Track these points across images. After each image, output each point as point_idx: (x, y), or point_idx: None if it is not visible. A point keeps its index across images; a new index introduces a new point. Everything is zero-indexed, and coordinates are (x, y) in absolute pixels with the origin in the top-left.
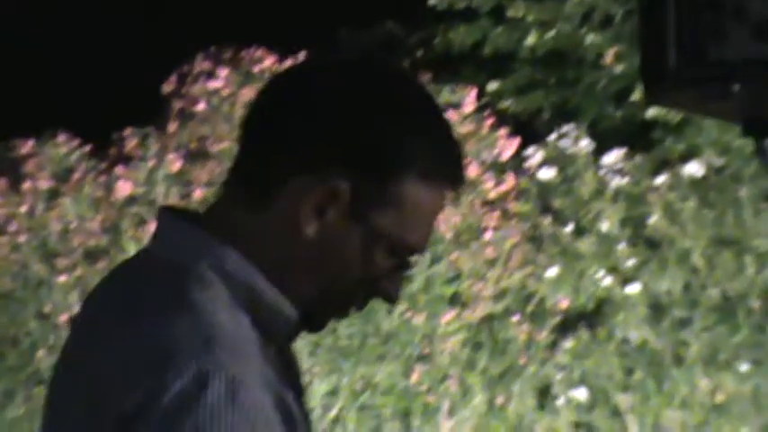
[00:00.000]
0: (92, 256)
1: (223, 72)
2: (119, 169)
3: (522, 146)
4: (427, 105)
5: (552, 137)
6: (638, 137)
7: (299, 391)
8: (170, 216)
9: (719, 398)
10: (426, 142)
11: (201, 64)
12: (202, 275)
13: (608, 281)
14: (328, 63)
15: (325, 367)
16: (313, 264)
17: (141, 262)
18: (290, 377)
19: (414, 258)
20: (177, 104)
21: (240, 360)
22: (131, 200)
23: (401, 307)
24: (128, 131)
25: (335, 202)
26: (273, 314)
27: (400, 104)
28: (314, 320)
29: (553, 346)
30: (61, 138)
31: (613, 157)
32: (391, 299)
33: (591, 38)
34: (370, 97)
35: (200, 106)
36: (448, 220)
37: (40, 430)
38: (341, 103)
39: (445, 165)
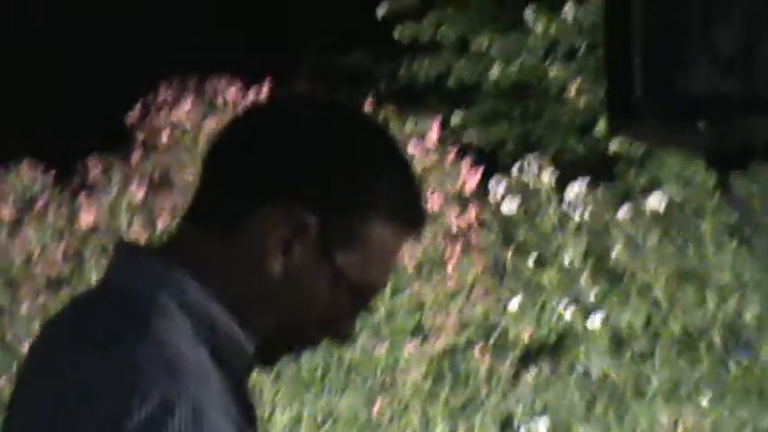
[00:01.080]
0: (54, 285)
1: (187, 102)
2: (82, 198)
3: (486, 178)
4: (393, 149)
5: (515, 169)
6: (600, 169)
7: (254, 426)
8: (128, 249)
9: (680, 431)
10: (393, 185)
11: (165, 93)
12: (164, 306)
13: (570, 313)
14: (299, 101)
15: (288, 397)
16: (275, 299)
17: (101, 292)
18: (246, 411)
19: (372, 300)
20: (141, 134)
21: (203, 389)
22: (94, 229)
23: (364, 337)
24: (91, 160)
25: (303, 237)
26: (232, 347)
27: (369, 146)
28: (267, 355)
29: (515, 377)
30: (24, 166)
31: (576, 189)
32: (344, 339)
33: (554, 70)
34: (340, 137)
35: (164, 137)
36: (410, 252)
37: None
38: (312, 140)
39: (409, 207)
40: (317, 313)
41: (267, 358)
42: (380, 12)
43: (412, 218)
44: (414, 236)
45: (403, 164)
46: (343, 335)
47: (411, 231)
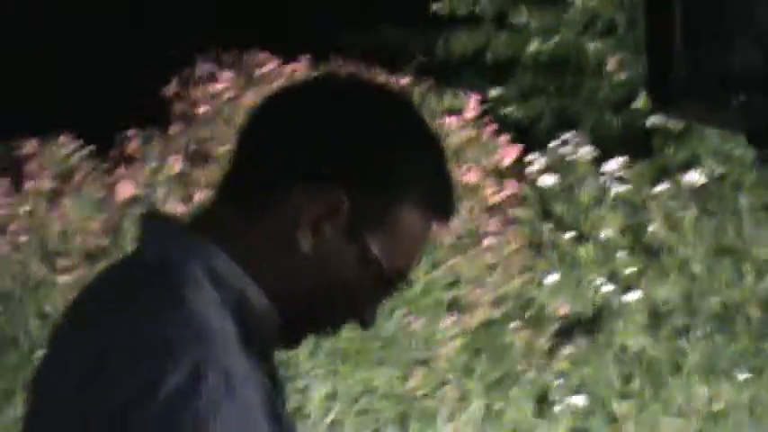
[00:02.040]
0: (92, 256)
1: (225, 75)
2: (120, 170)
3: (524, 152)
4: (429, 134)
5: (553, 144)
6: (638, 145)
7: (281, 397)
8: (157, 220)
9: (717, 406)
10: (428, 172)
11: (204, 67)
12: (194, 276)
13: (607, 288)
14: (335, 80)
15: (324, 371)
16: (304, 278)
17: (132, 263)
18: (273, 382)
19: (397, 286)
20: (179, 107)
21: (233, 357)
22: (133, 201)
23: (400, 312)
24: (130, 133)
25: (334, 217)
26: (260, 320)
27: (407, 131)
28: (290, 335)
29: (552, 352)
30: (63, 139)
31: (614, 164)
32: (367, 324)
33: (593, 45)
34: (378, 119)
35: (202, 109)
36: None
37: (24, 421)
38: (350, 121)
39: (441, 196)
40: (341, 294)
41: (289, 338)
42: None
43: (443, 205)
44: (443, 224)
45: (437, 150)
46: (365, 319)
47: (440, 219)
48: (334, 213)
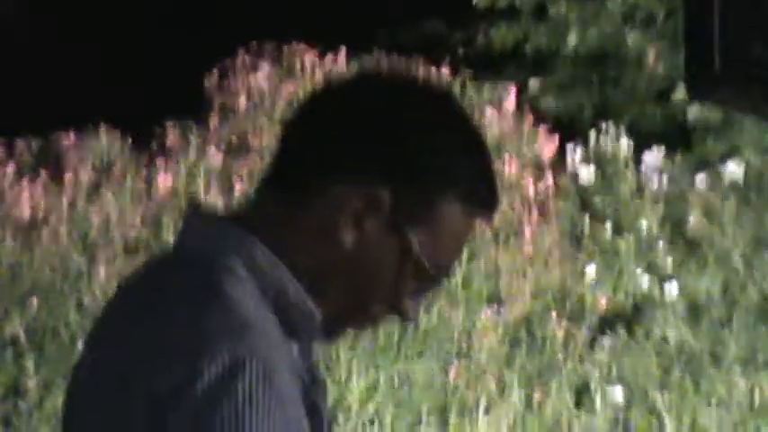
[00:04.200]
0: (132, 249)
1: (264, 67)
2: (160, 162)
3: (563, 144)
4: (471, 129)
5: (593, 136)
6: (678, 137)
7: (321, 389)
8: (201, 212)
9: (757, 398)
10: (471, 167)
11: (243, 59)
12: (234, 269)
13: (646, 280)
14: (379, 75)
15: (364, 362)
16: (344, 271)
17: (174, 254)
18: (312, 375)
19: (438, 281)
20: (218, 99)
21: (271, 350)
22: (172, 193)
23: (439, 303)
24: (169, 125)
25: (376, 211)
26: (299, 314)
27: (450, 125)
28: (330, 329)
29: (591, 344)
30: (103, 131)
31: (653, 156)
32: (409, 319)
33: (632, 37)
34: (421, 114)
35: (241, 101)
36: None
37: (63, 411)
38: (392, 115)
39: (484, 191)
40: (383, 289)
41: (329, 333)
42: None
43: (485, 200)
44: (486, 219)
45: (480, 146)
46: (407, 314)
47: (483, 214)
48: (376, 207)
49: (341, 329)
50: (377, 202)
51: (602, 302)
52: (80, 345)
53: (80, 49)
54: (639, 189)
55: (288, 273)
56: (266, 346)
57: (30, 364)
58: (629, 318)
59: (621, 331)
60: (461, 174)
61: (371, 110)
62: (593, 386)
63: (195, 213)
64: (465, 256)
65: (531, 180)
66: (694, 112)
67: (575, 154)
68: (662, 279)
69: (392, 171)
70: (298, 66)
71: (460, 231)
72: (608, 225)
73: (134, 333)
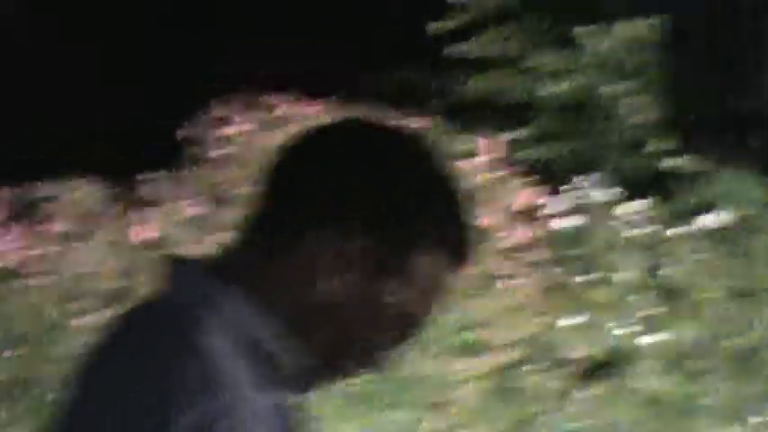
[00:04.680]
0: (108, 300)
1: (238, 118)
2: (135, 214)
3: (538, 195)
4: (448, 181)
5: (568, 187)
6: (654, 187)
7: None
8: (174, 264)
9: None
10: (444, 217)
11: (218, 109)
12: (209, 322)
13: (623, 331)
14: (358, 125)
15: (336, 413)
16: (320, 322)
17: (148, 307)
18: (286, 426)
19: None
20: (192, 150)
21: (244, 405)
22: (148, 244)
23: (413, 355)
24: (144, 176)
25: (353, 263)
26: (275, 367)
27: (424, 174)
28: (306, 378)
29: (567, 395)
30: (79, 181)
31: (629, 207)
32: (383, 368)
33: (605, 89)
34: (399, 165)
35: (216, 152)
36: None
37: None
38: (371, 167)
39: (457, 242)
40: (356, 339)
41: (303, 382)
42: (431, 28)
43: (459, 251)
44: (459, 269)
45: (455, 197)
46: (379, 363)
47: (457, 265)
48: (352, 259)
49: (316, 379)
50: (354, 254)
51: (579, 354)
52: (51, 398)
53: (53, 96)
54: (616, 239)
55: (264, 323)
56: (238, 401)
57: (3, 415)
58: (605, 369)
59: (598, 383)
60: (436, 225)
61: (347, 162)
62: None
63: (170, 264)
64: (439, 307)
65: (506, 231)
66: (670, 162)
67: (551, 204)
68: (639, 330)
69: (369, 223)
70: (274, 116)
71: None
72: (584, 275)
73: (107, 390)
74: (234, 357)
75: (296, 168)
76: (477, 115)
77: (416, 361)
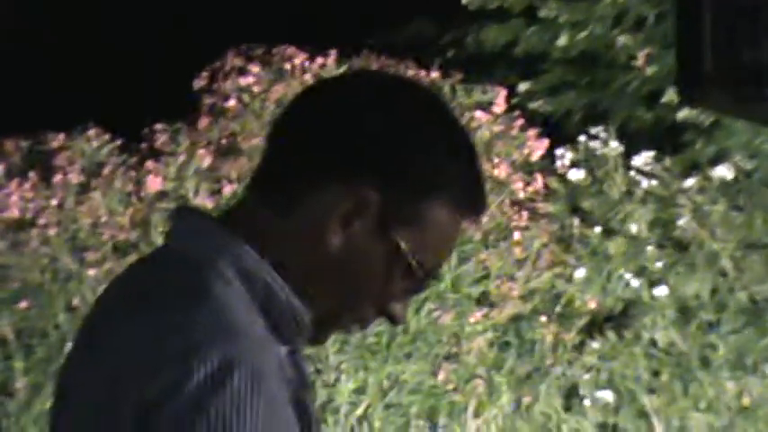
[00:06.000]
0: (121, 250)
1: (254, 69)
2: (149, 164)
3: (553, 147)
4: (462, 133)
5: (582, 138)
6: (668, 139)
7: (309, 394)
8: (189, 214)
9: (746, 401)
10: (459, 169)
11: (233, 61)
12: (223, 272)
13: (636, 283)
14: (366, 76)
15: (353, 365)
16: (332, 274)
17: (161, 257)
18: (301, 378)
19: (425, 283)
20: (208, 100)
21: (261, 353)
22: (161, 195)
23: (429, 306)
24: (158, 127)
25: (364, 213)
26: (288, 317)
27: (439, 128)
28: (320, 332)
29: (580, 346)
30: (92, 132)
31: (643, 159)
32: (398, 321)
33: (623, 39)
34: (410, 116)
35: (231, 102)
36: None
37: (52, 413)
38: (381, 117)
39: (473, 193)
40: (370, 291)
41: (318, 335)
42: None
43: (473, 203)
44: (473, 221)
45: (469, 148)
46: (396, 316)
47: (471, 217)
48: (364, 210)
49: (329, 332)
50: (365, 204)
51: (592, 305)
52: (69, 346)
53: (68, 50)
54: (629, 191)
55: (276, 275)
56: (255, 350)
57: (19, 365)
58: (618, 320)
59: (611, 334)
60: (449, 177)
61: (360, 112)
62: (581, 389)
63: (184, 215)
64: (454, 258)
65: (520, 182)
66: (684, 114)
67: (565, 156)
68: (651, 282)
69: (380, 174)
70: (287, 68)
71: (448, 234)
72: (597, 228)
73: (122, 337)
74: (249, 307)
75: (309, 120)
76: (493, 66)
77: (432, 312)
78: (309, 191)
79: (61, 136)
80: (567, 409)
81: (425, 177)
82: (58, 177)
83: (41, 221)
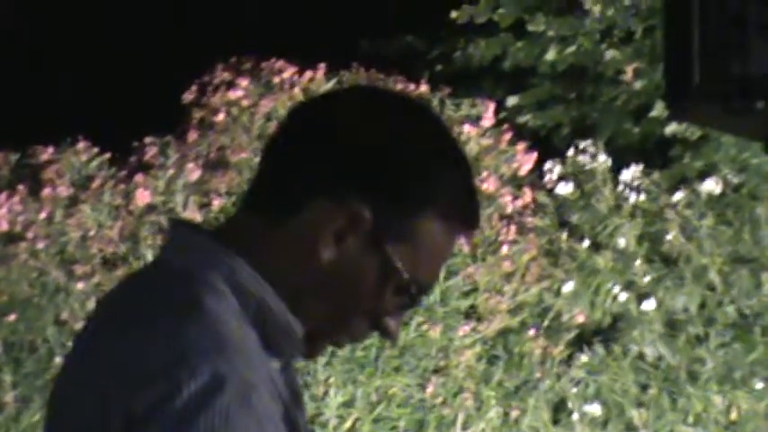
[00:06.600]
0: (110, 263)
1: (243, 83)
2: (138, 178)
3: (541, 161)
4: (452, 145)
5: (571, 152)
6: (656, 153)
7: (300, 408)
8: (183, 228)
9: (734, 415)
10: (450, 182)
11: (222, 74)
12: (215, 285)
13: (624, 297)
14: (361, 92)
15: (341, 378)
16: (324, 289)
17: (155, 270)
18: (292, 393)
19: (419, 298)
20: (197, 114)
21: (252, 367)
22: (150, 208)
23: (418, 319)
24: (148, 140)
25: (356, 228)
26: (280, 331)
27: (431, 143)
28: (312, 346)
29: (569, 360)
30: (81, 145)
31: (631, 173)
32: (391, 336)
33: (611, 54)
34: (401, 130)
35: (220, 116)
36: None
37: (44, 426)
38: (372, 131)
39: (465, 207)
40: (363, 306)
41: (309, 349)
42: None
43: (466, 217)
44: (466, 236)
45: (461, 161)
46: (389, 331)
47: (464, 231)
48: (357, 224)
49: (322, 346)
50: (358, 219)
51: (580, 319)
52: (58, 359)
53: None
54: (617, 205)
55: (269, 289)
56: (246, 364)
57: (7, 378)
58: (606, 334)
59: (599, 348)
60: (442, 191)
61: (351, 127)
62: (570, 403)
63: (177, 229)
64: (443, 272)
65: (509, 196)
66: (672, 129)
67: (553, 170)
68: (639, 295)
69: (373, 188)
70: (276, 81)
71: (441, 248)
72: (585, 242)
73: (114, 351)
74: (241, 321)
75: (302, 135)
76: (481, 80)
77: (421, 325)
78: (302, 206)
79: (50, 149)
80: (556, 422)
81: (418, 192)
82: (46, 191)
83: (30, 235)
